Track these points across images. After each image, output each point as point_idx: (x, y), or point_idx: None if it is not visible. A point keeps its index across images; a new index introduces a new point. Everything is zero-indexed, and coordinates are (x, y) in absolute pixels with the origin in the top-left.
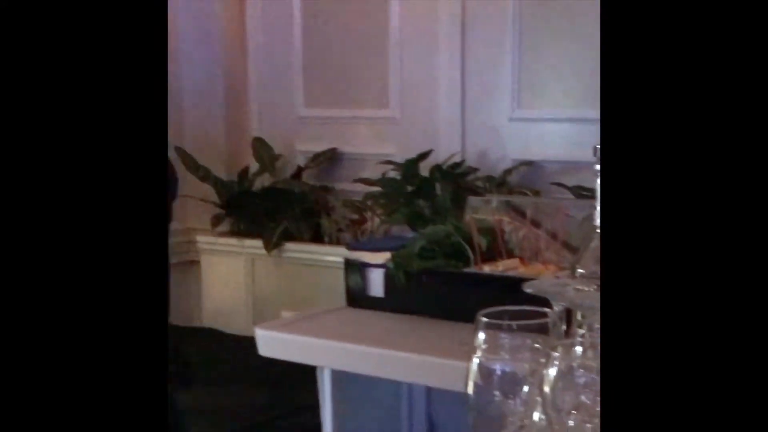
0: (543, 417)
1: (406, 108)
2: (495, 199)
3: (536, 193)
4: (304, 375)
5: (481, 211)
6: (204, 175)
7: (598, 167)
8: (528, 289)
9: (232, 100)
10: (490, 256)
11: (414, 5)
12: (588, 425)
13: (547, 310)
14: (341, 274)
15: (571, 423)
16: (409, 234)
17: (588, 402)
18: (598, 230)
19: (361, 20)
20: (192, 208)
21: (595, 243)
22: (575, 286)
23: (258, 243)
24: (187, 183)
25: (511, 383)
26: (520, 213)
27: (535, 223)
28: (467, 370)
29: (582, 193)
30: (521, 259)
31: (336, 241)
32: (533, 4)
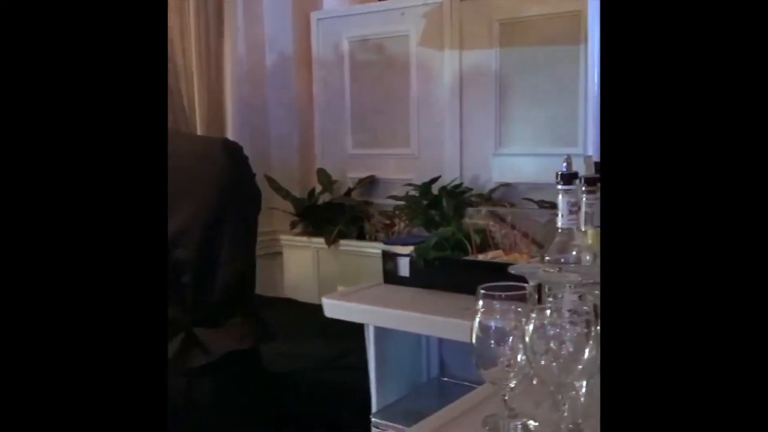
0: (524, 358)
1: (422, 147)
2: (484, 209)
3: (513, 205)
4: (355, 330)
5: (475, 217)
6: (285, 194)
7: (559, 187)
8: (512, 270)
9: (304, 143)
10: (482, 248)
11: (427, 75)
12: (554, 364)
13: (525, 284)
14: (379, 261)
15: (542, 362)
16: (425, 234)
17: (554, 348)
18: (559, 230)
19: (390, 86)
20: (277, 217)
21: (558, 239)
22: (544, 268)
23: (321, 240)
24: (273, 199)
25: (501, 335)
26: (501, 219)
27: (512, 226)
28: (471, 327)
29: (544, 205)
30: (504, 250)
31: (374, 239)
32: (510, 75)
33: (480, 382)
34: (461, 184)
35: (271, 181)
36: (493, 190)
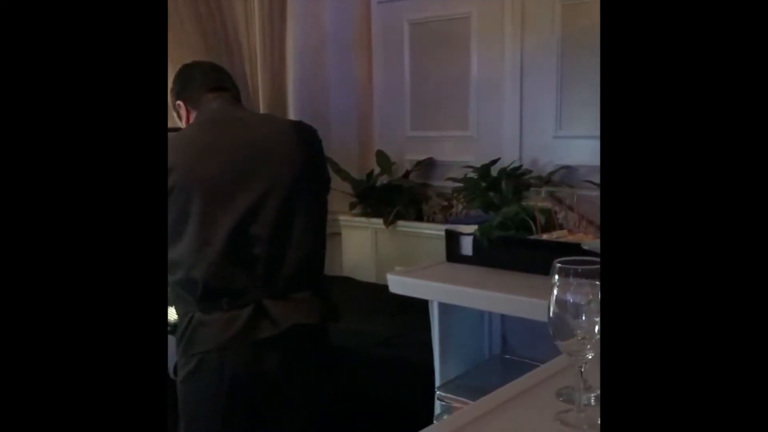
0: (599, 330)
1: (481, 130)
2: (544, 191)
3: (572, 188)
4: (421, 306)
5: (534, 199)
6: (344, 176)
7: None
8: (585, 247)
9: (363, 127)
10: (546, 229)
11: (487, 57)
12: None
13: (598, 260)
14: (436, 242)
15: None
16: (484, 215)
17: None
18: None
19: (450, 69)
20: (336, 198)
21: None
22: None
23: (379, 221)
24: (334, 180)
25: (576, 309)
26: (561, 201)
27: (571, 208)
28: (548, 301)
29: None
30: (569, 230)
31: (432, 220)
32: (571, 57)
33: (542, 360)
34: (521, 166)
35: (330, 162)
36: (552, 173)
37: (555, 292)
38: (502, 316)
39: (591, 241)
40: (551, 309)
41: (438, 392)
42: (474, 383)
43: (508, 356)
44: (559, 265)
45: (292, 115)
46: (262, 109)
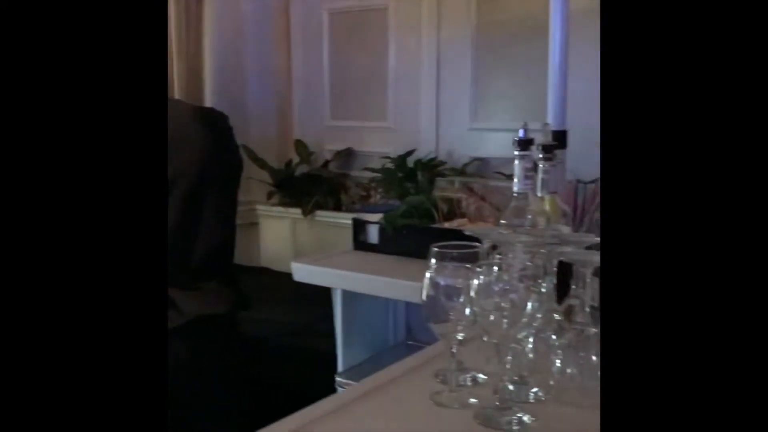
0: (471, 312)
1: (399, 121)
2: (456, 181)
3: (484, 178)
4: (324, 294)
5: (447, 190)
6: (262, 164)
7: (515, 153)
8: (468, 232)
9: (282, 116)
10: (449, 217)
11: (405, 49)
12: (501, 320)
13: (477, 244)
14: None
15: (491, 318)
16: (392, 205)
17: (500, 303)
18: (515, 194)
19: (368, 59)
20: (254, 187)
21: (513, 203)
22: (498, 230)
23: (298, 211)
24: (251, 169)
25: (451, 292)
26: (472, 191)
27: (483, 198)
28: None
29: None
30: (469, 218)
31: (351, 210)
32: (486, 50)
33: None
34: (436, 157)
35: (248, 151)
36: (466, 164)
37: (429, 275)
38: (407, 303)
39: (476, 228)
40: (425, 292)
41: (338, 378)
42: (376, 368)
43: (411, 342)
44: (436, 249)
45: (208, 104)
46: (177, 97)
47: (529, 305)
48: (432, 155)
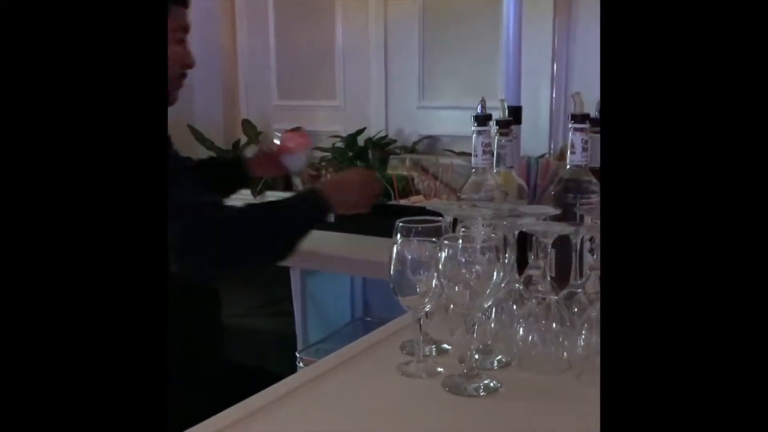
0: (437, 284)
1: (348, 99)
2: (408, 159)
3: (435, 156)
4: (282, 274)
5: (399, 168)
6: (209, 145)
7: (473, 128)
8: (430, 207)
9: (228, 94)
10: (404, 195)
11: (352, 26)
12: (467, 291)
13: (440, 218)
14: None
15: (456, 288)
16: None
17: (465, 274)
18: (473, 169)
19: (316, 37)
20: None
21: (472, 178)
22: (460, 205)
23: (247, 191)
24: (198, 150)
25: (417, 265)
26: (424, 169)
27: (435, 176)
28: (389, 257)
29: (464, 155)
30: (425, 195)
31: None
32: (434, 28)
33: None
34: (386, 136)
35: (194, 131)
36: (416, 143)
37: (396, 249)
38: (364, 280)
39: (436, 202)
40: (392, 267)
41: (298, 355)
42: (336, 345)
43: (369, 318)
44: (401, 224)
45: None
46: None
47: (494, 276)
48: (382, 134)
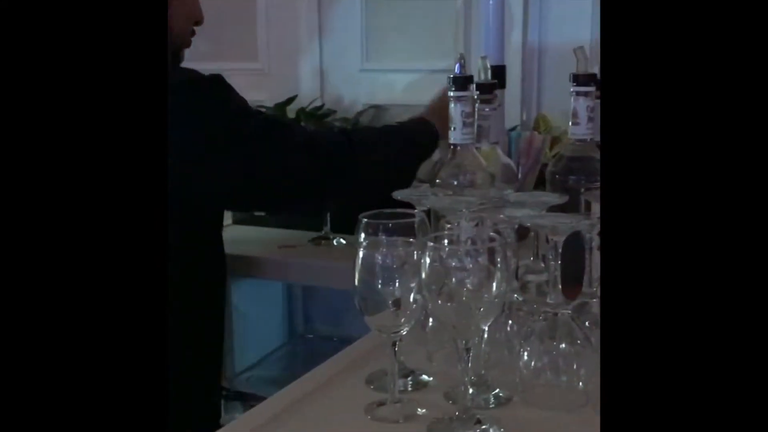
0: (417, 298)
1: (273, 62)
2: None
3: None
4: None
5: None
6: None
7: (451, 94)
8: (397, 196)
9: None
10: None
11: None
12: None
13: (414, 211)
14: None
15: (439, 302)
16: None
17: (452, 285)
18: (451, 146)
19: None
20: None
21: (451, 158)
22: (436, 192)
23: None
24: None
25: (389, 273)
26: None
27: None
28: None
29: None
30: None
31: None
32: None
33: (348, 337)
34: (322, 105)
35: None
36: (360, 113)
37: (361, 254)
38: (303, 287)
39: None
40: (357, 276)
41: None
42: (272, 373)
43: (311, 336)
44: (366, 220)
45: None
46: None
47: (494, 287)
48: (317, 103)
